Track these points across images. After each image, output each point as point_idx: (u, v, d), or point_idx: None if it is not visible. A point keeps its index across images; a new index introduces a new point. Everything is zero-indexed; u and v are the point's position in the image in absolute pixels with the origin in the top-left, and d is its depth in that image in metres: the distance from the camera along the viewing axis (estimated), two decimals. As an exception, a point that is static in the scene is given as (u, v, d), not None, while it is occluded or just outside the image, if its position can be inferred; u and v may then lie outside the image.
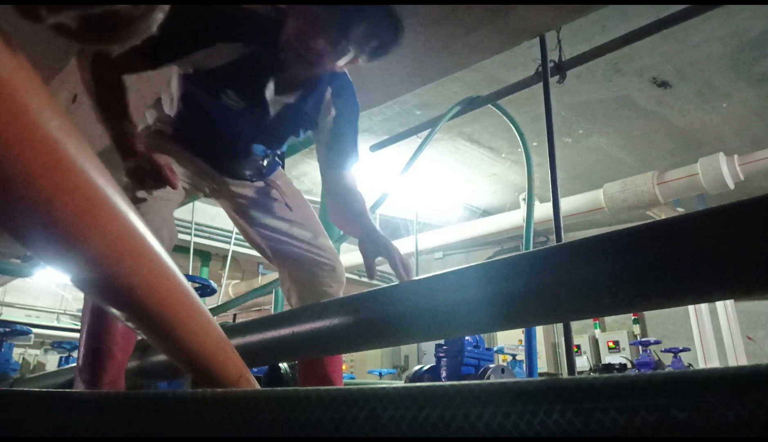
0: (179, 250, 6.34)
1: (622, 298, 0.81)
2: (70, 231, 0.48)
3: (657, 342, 5.42)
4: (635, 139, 5.69)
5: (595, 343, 7.80)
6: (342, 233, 2.53)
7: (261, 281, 8.06)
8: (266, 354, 1.33)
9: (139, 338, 1.46)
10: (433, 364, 2.69)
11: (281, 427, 0.54)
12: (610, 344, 7.43)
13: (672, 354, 5.14)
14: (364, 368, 8.45)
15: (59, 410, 0.69)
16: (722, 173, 5.14)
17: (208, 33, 1.25)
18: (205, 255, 7.76)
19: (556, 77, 2.82)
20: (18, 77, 0.38)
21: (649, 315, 7.56)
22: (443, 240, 7.31)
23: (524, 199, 4.23)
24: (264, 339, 1.27)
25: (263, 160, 1.56)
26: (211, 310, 1.40)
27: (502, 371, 2.60)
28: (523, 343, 2.79)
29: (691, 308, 5.56)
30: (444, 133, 5.49)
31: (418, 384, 0.53)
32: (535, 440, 0.44)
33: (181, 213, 6.08)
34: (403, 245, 7.16)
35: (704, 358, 5.44)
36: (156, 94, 1.54)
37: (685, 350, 5.19)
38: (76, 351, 1.39)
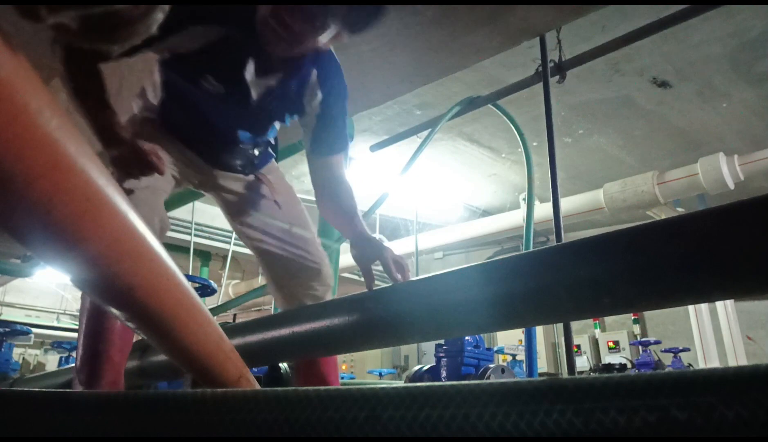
0: (179, 250, 6.34)
1: (622, 298, 0.81)
2: (70, 231, 0.48)
3: (657, 342, 5.43)
4: (635, 139, 5.68)
5: (595, 343, 7.80)
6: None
7: (261, 281, 8.06)
8: (266, 354, 1.33)
9: (139, 337, 1.46)
10: (433, 364, 2.69)
11: (281, 427, 0.54)
12: (610, 344, 7.43)
13: (672, 354, 5.14)
14: (364, 368, 8.45)
15: (59, 410, 0.69)
16: (722, 173, 5.14)
17: (179, 16, 1.16)
18: (205, 255, 7.76)
19: (556, 77, 2.82)
20: (18, 77, 0.38)
21: (649, 315, 7.55)
22: (443, 240, 7.31)
23: (524, 199, 4.23)
24: (264, 339, 1.27)
25: (254, 150, 1.52)
26: (211, 310, 1.40)
27: (502, 371, 2.60)
28: (523, 343, 2.79)
29: (691, 308, 5.56)
30: (444, 133, 5.49)
31: (418, 384, 0.53)
32: (535, 440, 0.44)
33: (181, 213, 6.08)
34: (403, 245, 7.16)
35: (704, 358, 5.44)
36: (139, 81, 1.50)
37: (685, 350, 5.19)
38: (75, 352, 1.39)
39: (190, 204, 5.33)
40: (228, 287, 8.44)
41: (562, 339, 2.21)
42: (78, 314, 1.42)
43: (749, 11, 3.72)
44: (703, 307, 5.49)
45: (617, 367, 5.57)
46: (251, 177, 1.56)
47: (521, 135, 3.14)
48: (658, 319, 7.47)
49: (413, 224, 6.97)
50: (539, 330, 6.59)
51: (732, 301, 5.36)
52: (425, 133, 3.33)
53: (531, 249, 1.99)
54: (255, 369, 1.81)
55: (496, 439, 0.46)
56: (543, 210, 5.46)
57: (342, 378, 5.16)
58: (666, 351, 5.23)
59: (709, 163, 5.23)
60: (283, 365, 1.87)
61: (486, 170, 6.52)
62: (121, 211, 0.54)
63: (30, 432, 0.68)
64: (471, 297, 0.96)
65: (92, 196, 0.49)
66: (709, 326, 5.56)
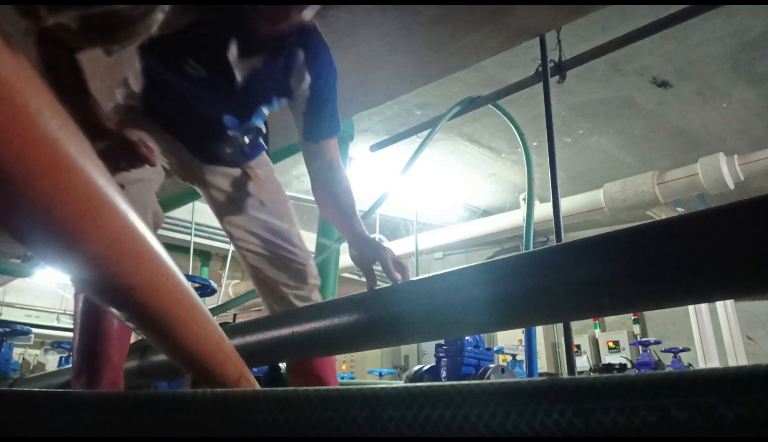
0: (179, 250, 6.34)
1: (622, 298, 0.81)
2: (70, 231, 0.48)
3: (657, 342, 5.43)
4: (635, 139, 5.69)
5: (595, 343, 7.80)
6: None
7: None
8: (266, 354, 1.33)
9: (138, 337, 1.46)
10: (433, 364, 2.69)
11: (281, 427, 0.54)
12: (610, 344, 7.43)
13: (672, 354, 5.14)
14: (364, 368, 8.45)
15: (59, 410, 0.69)
16: (722, 173, 5.14)
17: None
18: (205, 255, 7.76)
19: (556, 77, 2.83)
20: (18, 77, 0.38)
21: (649, 315, 7.55)
22: (443, 240, 7.31)
23: (524, 199, 4.23)
24: (264, 339, 1.27)
25: (243, 138, 1.47)
26: (211, 310, 1.40)
27: (502, 371, 2.60)
28: (523, 343, 2.79)
29: (691, 308, 5.56)
30: (444, 133, 5.49)
31: (418, 384, 0.53)
32: (535, 440, 0.44)
33: (181, 213, 6.08)
34: (403, 245, 7.17)
35: (704, 358, 5.44)
36: (120, 69, 1.46)
37: (685, 350, 5.19)
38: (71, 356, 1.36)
39: (190, 204, 5.34)
40: (228, 287, 8.44)
41: (562, 339, 2.21)
42: (77, 314, 1.40)
43: (749, 11, 3.73)
44: (703, 307, 5.49)
45: (617, 367, 5.57)
46: (238, 173, 1.51)
47: (521, 135, 3.14)
48: (658, 319, 7.47)
49: (413, 223, 6.97)
50: (539, 330, 6.59)
51: (732, 301, 5.36)
52: (425, 133, 3.34)
53: (531, 249, 1.99)
54: (255, 369, 1.81)
55: (496, 439, 0.46)
56: (543, 210, 5.46)
57: (342, 378, 5.16)
58: (666, 351, 5.23)
59: (709, 163, 5.23)
60: (283, 365, 1.87)
61: (486, 170, 6.52)
62: (121, 211, 0.54)
63: (30, 432, 0.68)
64: (471, 297, 0.96)
65: (92, 196, 0.49)
66: (709, 326, 5.56)
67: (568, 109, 5.08)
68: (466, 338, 2.57)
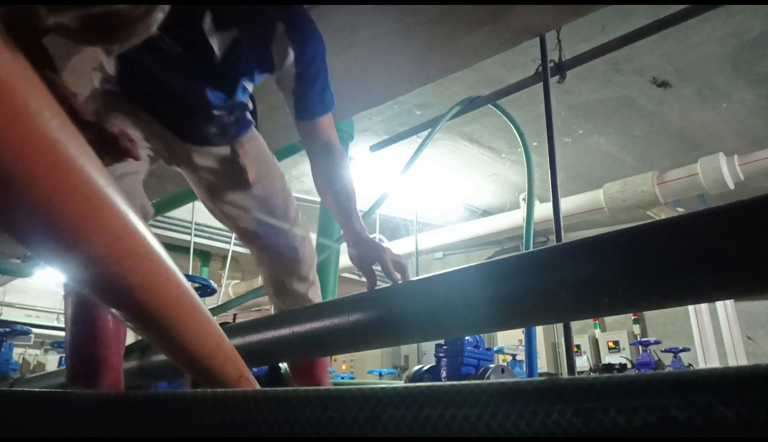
0: (179, 250, 6.34)
1: (622, 298, 0.81)
2: (70, 231, 0.48)
3: (657, 342, 5.43)
4: (635, 139, 5.69)
5: (595, 343, 7.81)
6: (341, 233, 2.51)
7: (261, 281, 8.02)
8: (266, 354, 1.33)
9: (139, 337, 1.46)
10: (433, 364, 2.69)
11: (281, 427, 0.54)
12: (610, 344, 7.43)
13: (672, 354, 5.14)
14: (364, 368, 8.45)
15: (59, 410, 0.69)
16: (722, 173, 5.14)
17: None
18: (205, 255, 7.76)
19: (556, 77, 2.83)
20: (18, 77, 0.38)
21: (649, 315, 7.56)
22: (443, 240, 7.31)
23: (524, 199, 4.23)
24: (264, 339, 1.27)
25: (229, 116, 1.42)
26: (211, 310, 1.39)
27: (502, 371, 2.60)
28: (523, 343, 2.79)
29: (691, 308, 5.56)
30: (444, 133, 5.49)
31: (418, 384, 0.53)
32: (535, 440, 0.44)
33: (181, 213, 6.08)
34: (403, 245, 7.17)
35: (704, 358, 5.44)
36: (94, 53, 1.40)
37: (685, 350, 5.19)
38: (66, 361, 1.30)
39: (190, 204, 5.34)
40: (228, 287, 8.44)
41: (562, 339, 2.21)
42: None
43: (749, 11, 3.73)
44: (703, 307, 5.49)
45: (617, 367, 5.57)
46: (227, 151, 1.47)
47: (521, 135, 3.14)
48: (658, 319, 7.47)
49: (413, 223, 6.97)
50: (539, 330, 6.59)
51: (732, 301, 5.36)
52: (425, 133, 3.34)
53: (531, 249, 1.99)
54: (255, 369, 1.81)
55: (496, 439, 0.46)
56: (543, 210, 5.46)
57: (342, 378, 5.16)
58: (666, 351, 5.23)
59: (709, 163, 5.23)
60: (283, 365, 1.87)
61: (486, 170, 6.52)
62: (122, 211, 0.54)
63: (30, 432, 0.68)
64: (471, 297, 0.96)
65: (92, 196, 0.49)
66: (709, 326, 5.56)
67: (568, 109, 5.08)
68: (466, 338, 2.57)
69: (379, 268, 1.23)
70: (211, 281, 3.17)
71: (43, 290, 10.17)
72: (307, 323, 1.19)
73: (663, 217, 2.74)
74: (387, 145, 4.21)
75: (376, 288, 1.18)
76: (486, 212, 7.60)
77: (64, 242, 0.49)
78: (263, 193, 1.48)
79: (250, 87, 1.43)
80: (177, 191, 3.74)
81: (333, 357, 8.17)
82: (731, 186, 5.19)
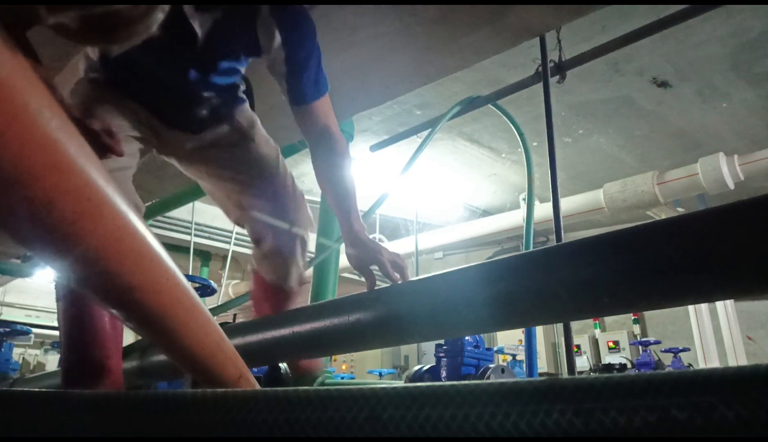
0: (179, 250, 6.34)
1: (622, 298, 0.81)
2: (70, 231, 0.48)
3: (657, 342, 5.43)
4: (635, 139, 5.69)
5: (595, 343, 7.80)
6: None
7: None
8: (266, 354, 1.33)
9: (139, 337, 1.45)
10: (433, 364, 2.69)
11: (281, 427, 0.54)
12: (610, 344, 7.43)
13: (672, 354, 5.14)
14: (364, 368, 8.45)
15: (59, 410, 0.69)
16: (722, 173, 5.14)
17: None
18: (205, 255, 7.76)
19: (556, 77, 2.82)
20: (18, 77, 0.38)
21: (649, 315, 7.56)
22: (443, 240, 7.31)
23: (524, 199, 4.23)
24: (264, 339, 1.27)
25: (218, 98, 1.39)
26: (211, 310, 1.39)
27: (502, 371, 2.60)
28: (523, 343, 2.79)
29: (691, 308, 5.56)
30: (444, 133, 5.49)
31: (418, 384, 0.53)
32: (535, 440, 0.44)
33: (181, 213, 6.07)
34: (403, 245, 7.16)
35: (704, 358, 5.44)
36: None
37: (685, 350, 5.19)
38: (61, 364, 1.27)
39: (190, 204, 5.33)
40: (228, 287, 8.44)
41: (562, 339, 2.21)
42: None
43: (749, 11, 3.72)
44: (703, 307, 5.49)
45: (617, 367, 5.58)
46: (224, 129, 1.44)
47: (521, 135, 3.14)
48: (658, 319, 7.47)
49: (413, 223, 6.97)
50: (539, 330, 6.59)
51: (732, 301, 5.36)
52: (425, 133, 3.33)
53: (531, 249, 1.99)
54: (255, 369, 1.81)
55: (496, 439, 0.46)
56: (543, 210, 5.46)
57: (342, 378, 5.16)
58: (666, 351, 5.23)
59: (709, 163, 5.23)
60: (283, 365, 1.86)
61: (486, 170, 6.52)
62: (122, 211, 0.54)
63: (30, 432, 0.68)
64: (471, 297, 0.96)
65: (92, 196, 0.49)
66: (709, 326, 5.56)
67: (568, 109, 5.08)
68: (466, 338, 2.57)
69: (377, 268, 1.23)
70: (211, 281, 3.17)
71: (43, 290, 10.16)
72: (307, 323, 1.19)
73: (663, 217, 2.74)
74: (387, 145, 4.20)
75: (376, 288, 1.18)
76: (486, 212, 7.60)
77: (64, 242, 0.49)
78: (261, 151, 1.46)
79: (242, 69, 1.40)
80: (177, 191, 3.74)
81: (333, 357, 8.17)
82: (731, 186, 5.19)
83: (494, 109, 3.34)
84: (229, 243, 6.65)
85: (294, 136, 2.63)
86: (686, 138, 5.58)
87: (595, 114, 5.18)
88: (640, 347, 5.45)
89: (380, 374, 6.80)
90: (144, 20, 0.50)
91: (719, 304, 5.46)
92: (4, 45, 0.37)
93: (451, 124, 4.63)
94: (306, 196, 1.65)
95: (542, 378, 0.51)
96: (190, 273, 5.62)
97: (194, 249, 6.23)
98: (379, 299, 1.11)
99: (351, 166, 1.35)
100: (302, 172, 6.33)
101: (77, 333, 1.22)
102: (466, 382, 0.51)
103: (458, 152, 6.03)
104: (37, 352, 10.57)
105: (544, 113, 2.48)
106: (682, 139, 5.59)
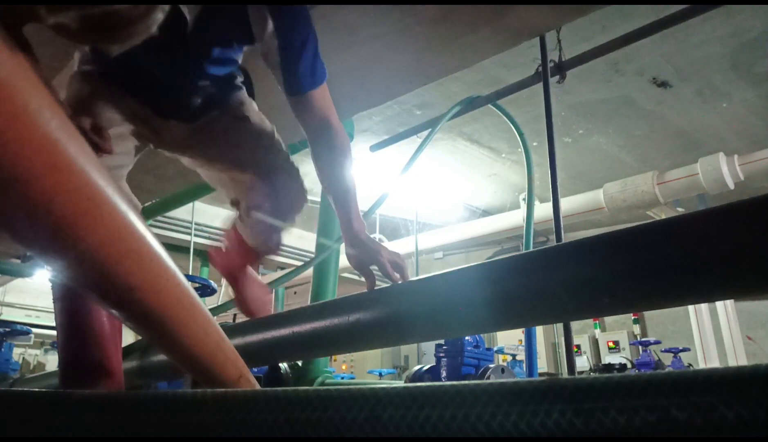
0: (179, 250, 6.34)
1: (622, 298, 0.81)
2: (70, 231, 0.48)
3: (657, 342, 5.43)
4: (635, 139, 5.68)
5: (595, 343, 7.80)
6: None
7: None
8: (266, 354, 1.33)
9: (139, 337, 1.45)
10: (433, 364, 2.69)
11: (281, 427, 0.54)
12: (610, 344, 7.43)
13: (672, 354, 5.14)
14: (364, 368, 8.44)
15: (59, 410, 0.69)
16: (722, 173, 5.14)
17: None
18: (205, 255, 7.75)
19: (556, 77, 2.82)
20: (18, 77, 0.38)
21: (649, 315, 7.55)
22: (443, 240, 7.30)
23: (524, 199, 4.23)
24: (264, 339, 1.27)
25: (213, 87, 1.37)
26: (211, 310, 1.39)
27: (502, 371, 2.60)
28: (523, 343, 2.79)
29: (691, 308, 5.56)
30: (444, 133, 5.49)
31: (418, 384, 0.53)
32: (535, 440, 0.44)
33: (181, 213, 6.07)
34: (403, 245, 7.16)
35: (704, 358, 5.44)
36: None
37: (685, 350, 5.19)
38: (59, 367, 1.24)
39: (190, 204, 5.33)
40: (228, 287, 8.43)
41: (562, 339, 2.21)
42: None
43: (749, 11, 3.72)
44: (703, 307, 5.48)
45: (617, 367, 5.58)
46: (218, 117, 1.42)
47: (521, 135, 3.14)
48: (658, 319, 7.47)
49: (413, 223, 6.97)
50: (539, 330, 6.59)
51: (732, 301, 5.36)
52: (425, 133, 3.33)
53: (531, 249, 1.99)
54: (255, 369, 1.81)
55: (496, 439, 0.46)
56: (543, 210, 5.46)
57: (342, 378, 5.16)
58: (666, 351, 5.23)
59: (709, 163, 5.22)
60: (283, 365, 1.86)
61: (486, 170, 6.51)
62: (122, 211, 0.54)
63: (30, 432, 0.68)
64: (471, 297, 0.96)
65: (93, 196, 0.49)
66: (709, 326, 5.55)
67: (568, 109, 5.08)
68: (466, 338, 2.57)
69: (377, 268, 1.22)
70: (211, 281, 3.17)
71: (43, 290, 10.15)
72: (307, 323, 1.19)
73: (663, 217, 2.74)
74: (387, 145, 4.20)
75: (376, 288, 1.17)
76: (486, 212, 7.60)
77: (64, 242, 0.49)
78: (256, 128, 1.46)
79: (238, 58, 1.38)
80: (176, 191, 3.74)
81: (333, 357, 8.16)
82: (731, 186, 5.19)
83: (494, 109, 3.34)
84: (228, 243, 6.63)
85: (294, 135, 2.62)
86: (686, 138, 5.58)
87: (595, 114, 5.18)
88: (640, 347, 5.45)
89: (380, 374, 6.80)
90: (144, 20, 0.50)
91: (719, 304, 5.46)
92: (4, 45, 0.37)
93: (451, 124, 4.63)
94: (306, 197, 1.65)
95: (542, 378, 0.51)
96: (190, 273, 5.62)
97: (194, 249, 6.23)
98: (379, 299, 1.11)
99: (352, 162, 1.31)
100: (303, 172, 6.32)
101: (75, 334, 1.20)
102: (466, 382, 0.51)
103: (458, 152, 6.03)
104: (37, 352, 10.56)
105: (544, 113, 2.48)
106: (682, 139, 5.59)
